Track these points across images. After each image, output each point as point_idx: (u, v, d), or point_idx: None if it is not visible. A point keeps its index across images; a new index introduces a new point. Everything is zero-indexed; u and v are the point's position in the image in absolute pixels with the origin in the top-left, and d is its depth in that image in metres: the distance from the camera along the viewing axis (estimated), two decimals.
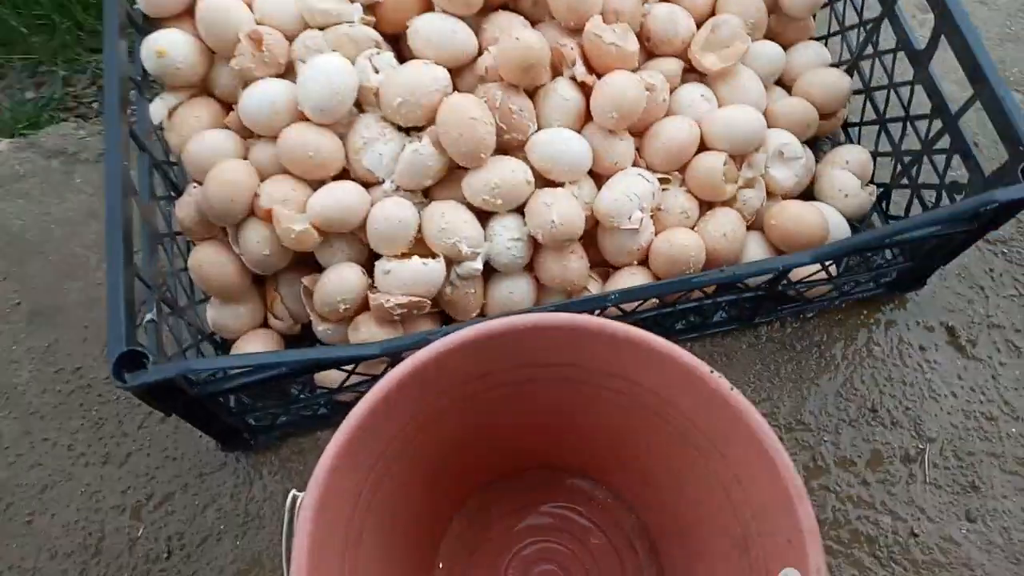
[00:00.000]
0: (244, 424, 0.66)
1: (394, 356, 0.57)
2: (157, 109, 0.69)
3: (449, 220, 0.63)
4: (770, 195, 0.70)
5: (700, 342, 0.73)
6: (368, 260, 0.66)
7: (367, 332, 0.64)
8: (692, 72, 0.72)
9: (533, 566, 0.60)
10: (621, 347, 0.48)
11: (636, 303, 0.61)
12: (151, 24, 0.69)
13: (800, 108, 0.73)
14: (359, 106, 0.67)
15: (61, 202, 0.86)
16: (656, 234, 0.66)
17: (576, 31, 0.67)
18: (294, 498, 0.46)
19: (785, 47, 0.76)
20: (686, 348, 0.71)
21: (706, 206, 0.69)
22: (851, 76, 0.77)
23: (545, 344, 0.49)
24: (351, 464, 0.45)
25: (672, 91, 0.70)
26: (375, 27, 0.67)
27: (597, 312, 0.59)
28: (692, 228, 0.67)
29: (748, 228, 0.69)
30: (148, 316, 0.57)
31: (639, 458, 0.56)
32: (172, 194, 0.72)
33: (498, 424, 0.55)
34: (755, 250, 0.69)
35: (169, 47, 0.66)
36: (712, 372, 0.45)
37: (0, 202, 0.86)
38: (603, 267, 0.69)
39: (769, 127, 0.70)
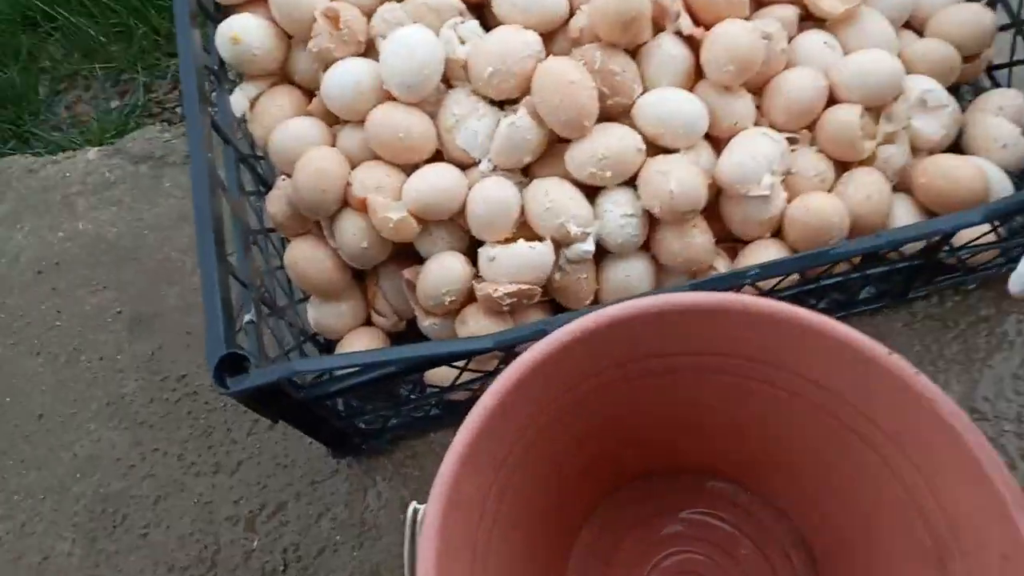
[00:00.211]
0: (354, 428, 0.63)
1: (508, 350, 0.53)
2: (238, 100, 0.66)
3: (554, 198, 0.58)
4: (915, 150, 0.62)
5: (846, 321, 0.65)
6: (471, 247, 0.62)
7: (475, 325, 0.59)
8: (810, 19, 0.65)
9: None
10: (768, 327, 0.42)
11: (776, 279, 0.54)
12: (224, 11, 0.65)
13: (939, 50, 0.64)
14: (447, 82, 0.62)
15: (152, 207, 0.85)
16: (788, 201, 0.59)
17: None
18: (415, 511, 0.43)
19: None
20: None
21: (841, 167, 0.61)
22: (994, 9, 0.68)
23: (677, 330, 0.43)
24: (472, 473, 0.41)
25: (790, 40, 0.63)
26: None
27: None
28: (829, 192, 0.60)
29: (892, 190, 0.61)
30: (247, 318, 0.54)
31: (795, 459, 0.50)
32: (261, 189, 0.69)
33: (627, 423, 0.50)
34: (902, 214, 0.61)
35: (243, 33, 0.63)
36: (890, 353, 0.39)
37: (93, 211, 0.86)
38: (730, 242, 0.62)
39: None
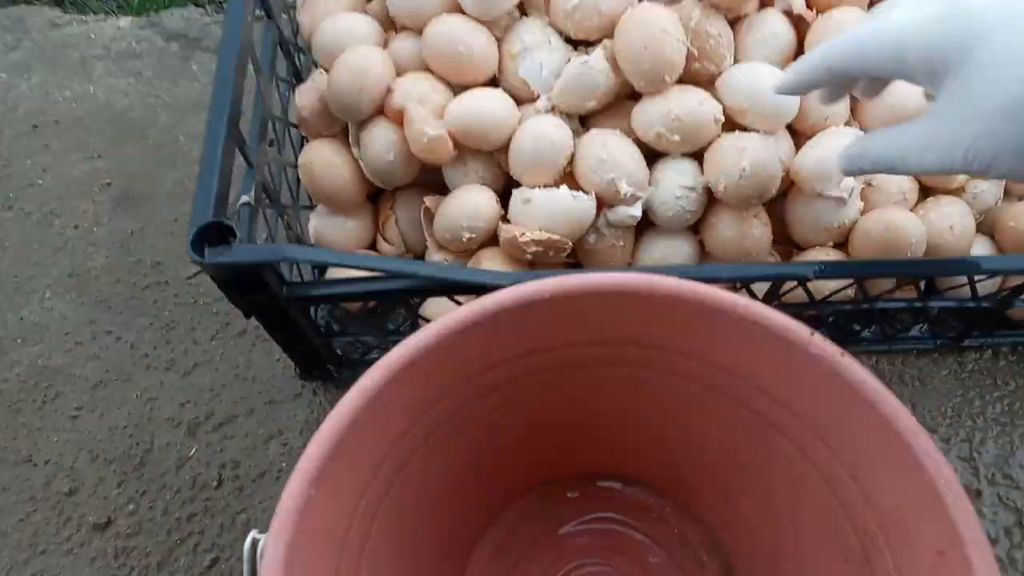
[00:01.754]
0: (330, 351, 0.56)
1: None
2: None
3: (611, 151, 0.52)
4: (1007, 193, 0.57)
5: (888, 357, 0.60)
6: (503, 190, 0.56)
7: (491, 269, 0.53)
8: None
9: None
10: (678, 310, 0.35)
11: (841, 284, 0.48)
12: None
13: None
14: (522, 8, 0.56)
15: (173, 87, 0.79)
16: (863, 212, 0.53)
17: None
18: (254, 543, 0.32)
19: None
20: (870, 361, 0.59)
21: (926, 192, 0.56)
22: None
23: (579, 316, 0.37)
24: (329, 495, 0.32)
25: None
26: None
27: (777, 302, 0.47)
28: None
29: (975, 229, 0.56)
30: (244, 198, 0.47)
31: (708, 458, 0.45)
32: (293, 80, 0.63)
33: (520, 428, 0.44)
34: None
35: None
36: (813, 334, 0.33)
37: (109, 77, 0.80)
38: (786, 246, 0.56)
39: None
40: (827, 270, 0.44)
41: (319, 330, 0.53)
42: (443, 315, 0.34)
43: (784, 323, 0.34)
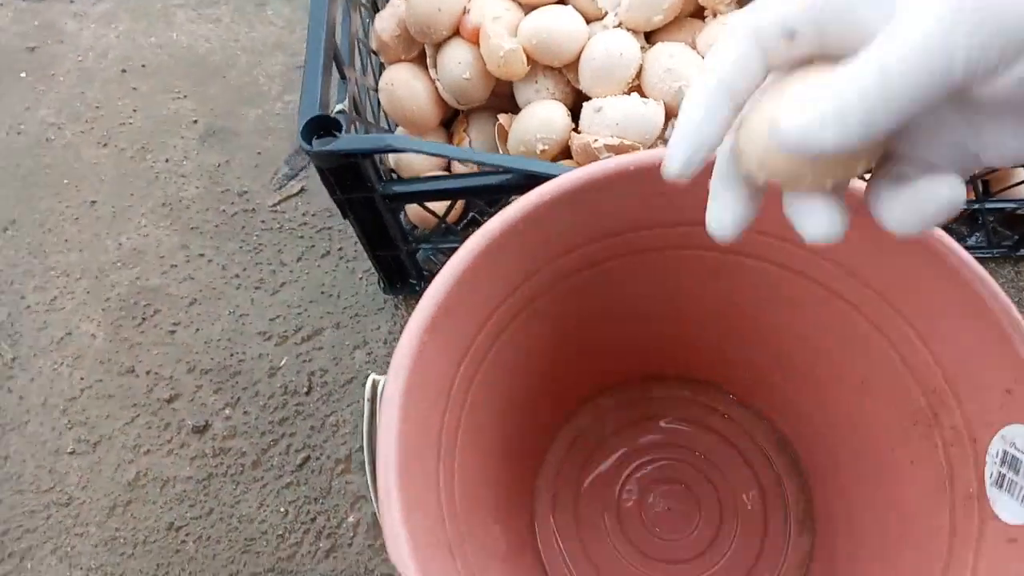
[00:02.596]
0: (414, 263, 0.59)
1: None
2: None
3: (678, 62, 0.54)
4: None
5: None
6: (572, 107, 0.58)
7: None
8: None
9: (653, 486, 0.52)
10: None
11: None
12: None
13: None
14: None
15: (250, 31, 0.82)
16: None
17: None
18: (374, 383, 0.35)
19: None
20: None
21: None
22: None
23: (664, 193, 0.38)
24: (439, 348, 0.35)
25: None
26: None
27: None
28: None
29: None
30: (339, 106, 0.50)
31: (788, 347, 0.46)
32: (373, 9, 0.66)
33: (612, 309, 0.46)
34: None
35: None
36: None
37: (191, 24, 0.83)
38: None
39: None
40: None
41: (406, 236, 0.56)
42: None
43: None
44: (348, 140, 0.44)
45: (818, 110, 0.20)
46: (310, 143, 0.43)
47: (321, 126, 0.44)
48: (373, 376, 0.35)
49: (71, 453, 0.60)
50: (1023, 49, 0.19)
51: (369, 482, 0.33)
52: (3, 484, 0.60)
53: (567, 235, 0.40)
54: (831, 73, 0.20)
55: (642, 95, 0.56)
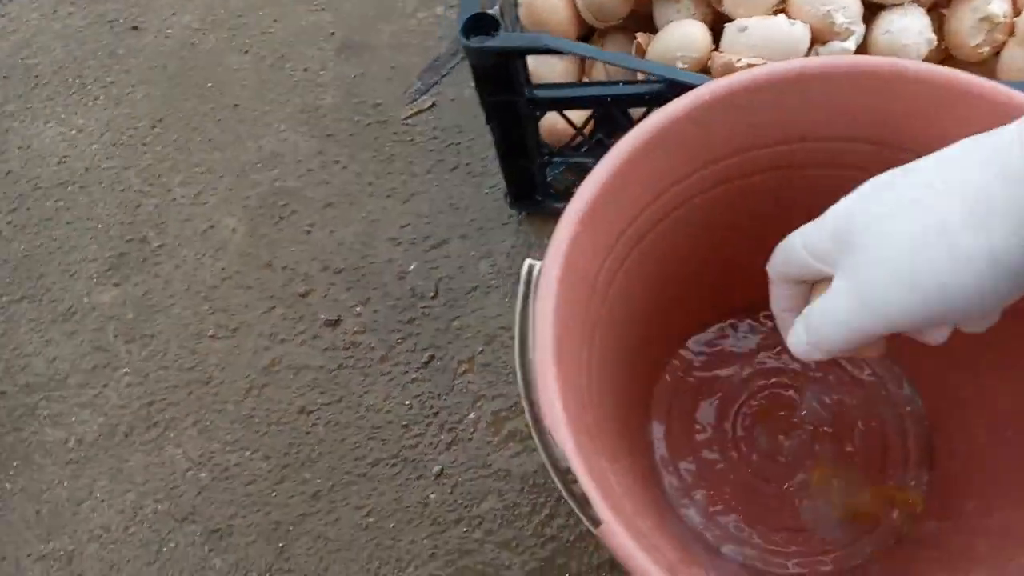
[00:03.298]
0: (543, 178, 0.61)
1: None
2: None
3: None
4: None
5: None
6: (713, 26, 0.58)
7: None
8: None
9: (772, 408, 0.53)
10: (923, 96, 0.36)
11: None
12: None
13: None
14: None
15: None
16: None
17: None
18: (530, 267, 0.36)
19: None
20: None
21: None
22: None
23: (837, 103, 0.39)
24: (588, 242, 0.37)
25: None
26: None
27: None
28: None
29: None
30: (492, 10, 0.52)
31: None
32: None
33: (743, 227, 0.46)
34: None
35: None
36: None
37: None
38: None
39: None
40: None
41: (540, 148, 0.57)
42: None
43: None
44: (505, 38, 0.45)
45: (802, 341, 0.34)
46: (468, 39, 0.45)
47: (479, 24, 0.46)
48: (529, 260, 0.37)
49: (211, 336, 0.65)
50: (893, 326, 0.30)
51: (517, 363, 0.35)
52: (150, 360, 0.64)
53: (728, 139, 0.40)
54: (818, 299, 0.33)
55: (789, 18, 0.55)
